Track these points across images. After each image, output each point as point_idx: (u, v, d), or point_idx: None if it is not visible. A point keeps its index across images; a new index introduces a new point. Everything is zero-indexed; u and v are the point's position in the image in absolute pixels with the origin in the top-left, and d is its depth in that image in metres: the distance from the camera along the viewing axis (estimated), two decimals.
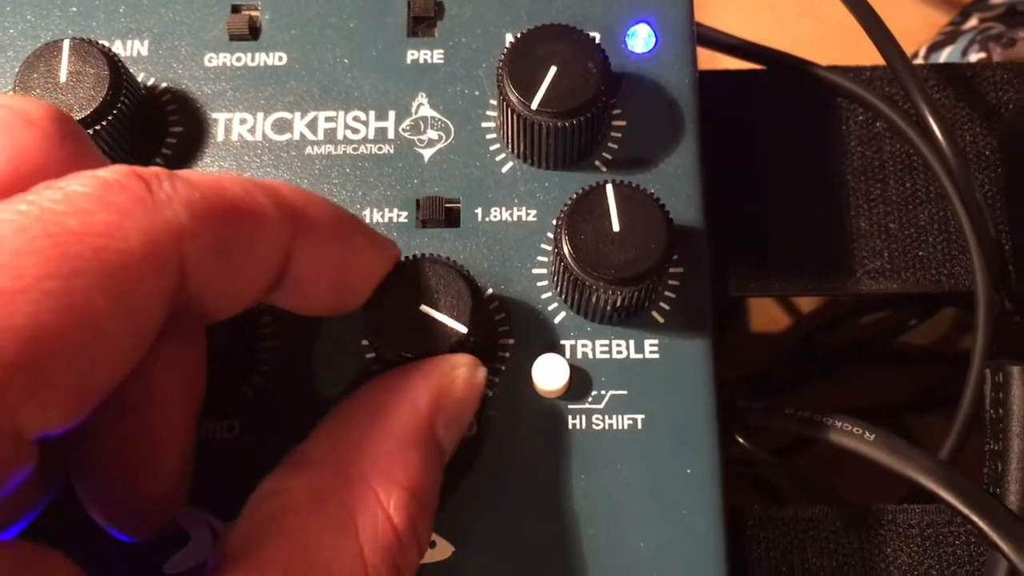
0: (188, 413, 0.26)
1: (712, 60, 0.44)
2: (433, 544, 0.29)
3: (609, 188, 0.29)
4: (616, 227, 0.29)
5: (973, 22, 0.57)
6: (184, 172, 0.23)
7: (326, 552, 0.23)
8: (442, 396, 0.27)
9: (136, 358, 0.21)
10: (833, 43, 0.48)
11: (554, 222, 0.30)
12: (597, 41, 0.31)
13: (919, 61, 0.57)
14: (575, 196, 0.29)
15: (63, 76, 0.30)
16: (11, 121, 0.23)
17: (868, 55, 0.42)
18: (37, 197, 0.20)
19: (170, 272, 0.21)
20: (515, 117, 0.30)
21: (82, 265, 0.20)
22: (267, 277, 0.24)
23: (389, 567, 0.24)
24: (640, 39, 0.33)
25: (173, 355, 0.25)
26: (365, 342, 0.30)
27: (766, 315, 0.56)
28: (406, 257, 0.29)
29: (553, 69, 0.30)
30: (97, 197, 0.21)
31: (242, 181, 0.24)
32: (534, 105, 0.30)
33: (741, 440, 0.39)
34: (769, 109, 0.43)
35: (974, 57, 0.54)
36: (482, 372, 0.28)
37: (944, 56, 0.56)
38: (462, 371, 0.28)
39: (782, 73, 0.43)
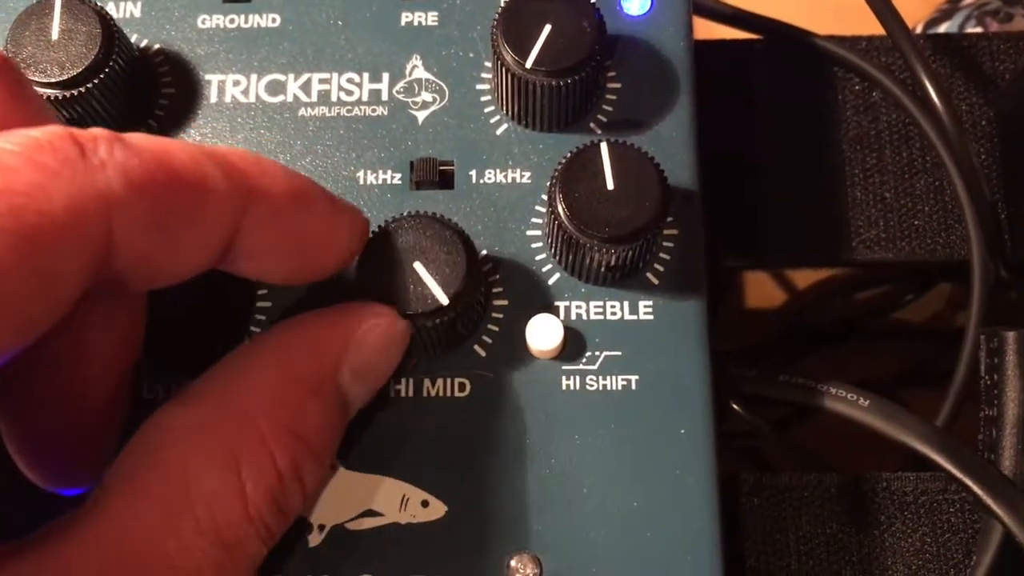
0: (118, 372, 0.25)
1: (709, 31, 0.44)
2: (426, 504, 0.29)
3: (603, 146, 0.29)
4: (610, 185, 0.28)
5: None
6: (131, 136, 0.22)
7: (206, 486, 0.23)
8: (353, 344, 0.26)
9: (50, 319, 0.21)
10: (829, 21, 0.48)
11: (548, 182, 0.30)
12: (592, 1, 0.31)
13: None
14: (569, 155, 0.29)
15: (55, 33, 0.30)
16: None
17: (863, 34, 0.42)
18: None
19: (94, 241, 0.20)
20: (509, 76, 0.30)
21: None
22: (211, 250, 0.24)
23: (271, 506, 0.24)
24: (635, 1, 0.33)
25: (107, 313, 0.24)
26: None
27: (761, 291, 0.56)
28: (410, 213, 0.29)
29: (548, 28, 0.30)
30: (25, 156, 0.20)
31: (191, 149, 0.23)
32: (528, 63, 0.30)
33: (736, 407, 0.39)
34: (765, 79, 0.43)
35: (971, 31, 0.54)
36: (403, 324, 0.27)
37: (941, 31, 0.56)
38: (380, 320, 0.27)
39: (779, 43, 0.43)
